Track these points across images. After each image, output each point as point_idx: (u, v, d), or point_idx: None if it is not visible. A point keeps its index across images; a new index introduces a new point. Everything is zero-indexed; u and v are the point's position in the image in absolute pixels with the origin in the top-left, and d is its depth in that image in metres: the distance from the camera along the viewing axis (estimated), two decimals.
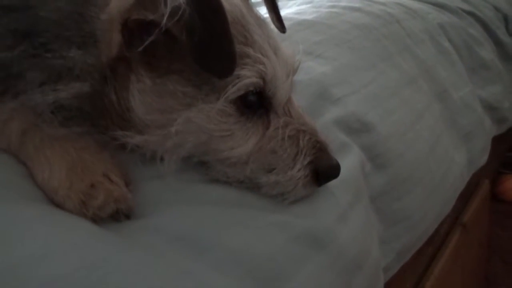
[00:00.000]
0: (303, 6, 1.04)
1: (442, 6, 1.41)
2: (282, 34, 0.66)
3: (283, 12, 1.03)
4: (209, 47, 0.41)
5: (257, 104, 0.50)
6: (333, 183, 0.58)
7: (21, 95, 0.47)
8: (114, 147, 0.50)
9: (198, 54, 0.42)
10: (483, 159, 1.23)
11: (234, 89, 0.46)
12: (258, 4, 0.63)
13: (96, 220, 0.44)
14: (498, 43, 1.57)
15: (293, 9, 1.04)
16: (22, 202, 0.43)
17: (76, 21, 0.45)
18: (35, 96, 0.47)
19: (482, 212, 1.46)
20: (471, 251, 1.39)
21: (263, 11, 0.62)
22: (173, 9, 0.39)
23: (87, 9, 0.45)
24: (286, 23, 0.87)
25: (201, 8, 0.40)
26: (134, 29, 0.43)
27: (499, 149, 1.59)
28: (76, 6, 0.46)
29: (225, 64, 0.43)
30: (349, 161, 0.66)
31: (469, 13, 1.49)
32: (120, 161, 0.50)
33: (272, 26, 0.62)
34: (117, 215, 0.45)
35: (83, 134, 0.48)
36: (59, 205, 0.45)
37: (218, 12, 0.41)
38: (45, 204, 0.44)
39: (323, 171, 0.53)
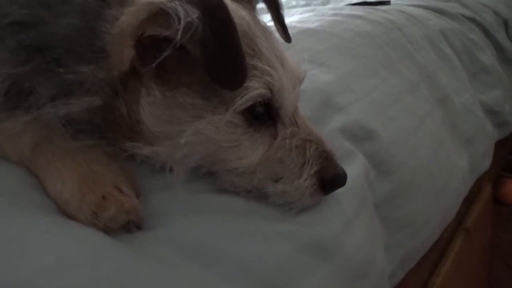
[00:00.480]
0: (306, 15, 1.05)
1: (442, 12, 1.42)
2: (286, 44, 0.66)
3: (286, 20, 1.04)
4: (221, 61, 0.42)
5: (265, 115, 0.51)
6: (338, 191, 0.59)
7: (33, 109, 0.48)
8: (124, 159, 0.51)
9: (211, 68, 0.43)
10: (486, 164, 1.24)
11: (242, 101, 0.47)
12: (261, 10, 0.64)
13: (108, 231, 0.44)
14: (498, 48, 1.58)
15: (296, 17, 1.05)
16: (36, 213, 0.44)
17: (87, 37, 0.46)
18: (47, 110, 0.48)
19: (485, 216, 1.46)
20: (474, 256, 1.39)
21: (267, 18, 0.63)
22: (187, 25, 0.40)
23: (98, 24, 0.46)
24: (289, 32, 0.89)
25: (213, 23, 0.41)
26: (147, 45, 0.44)
27: (501, 152, 1.59)
28: (88, 21, 0.47)
29: (236, 77, 0.44)
30: (354, 169, 0.66)
31: (470, 19, 1.50)
32: (129, 173, 0.50)
33: (277, 35, 0.64)
34: (128, 226, 0.45)
35: (94, 146, 0.49)
36: (71, 217, 0.45)
37: (230, 27, 0.42)
38: (57, 215, 0.45)
39: (330, 180, 0.54)
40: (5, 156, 0.50)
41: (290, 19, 1.04)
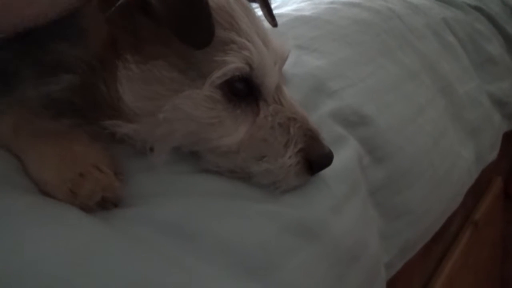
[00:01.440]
0: (303, 4, 1.04)
1: (446, 1, 1.39)
2: (278, 31, 0.66)
3: (282, 10, 1.03)
4: (183, 13, 0.41)
5: (245, 91, 0.50)
6: (327, 174, 0.58)
7: (14, 90, 0.48)
8: (106, 140, 0.50)
9: (172, 22, 0.42)
10: (493, 155, 1.20)
11: (219, 74, 0.46)
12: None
13: (85, 208, 0.44)
14: (507, 38, 1.54)
15: (293, 6, 1.04)
16: (13, 193, 0.43)
17: (65, 15, 0.46)
18: (27, 91, 0.48)
19: (495, 210, 1.42)
20: (484, 250, 1.35)
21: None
22: None
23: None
24: (283, 20, 0.88)
25: None
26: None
27: None
28: None
29: (201, 31, 0.43)
30: (345, 153, 0.65)
31: (476, 8, 1.47)
32: (111, 153, 0.50)
33: (266, 23, 0.63)
34: (105, 204, 0.45)
35: (75, 127, 0.49)
36: (50, 196, 0.45)
37: None
38: (36, 195, 0.45)
39: (315, 159, 0.52)
40: None
41: (287, 8, 1.03)
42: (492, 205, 1.37)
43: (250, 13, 0.53)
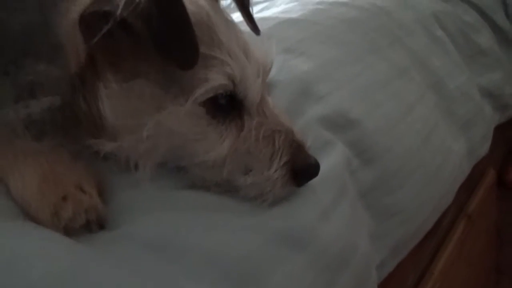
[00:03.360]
0: (291, 5, 1.03)
1: None
2: (264, 35, 0.65)
3: (270, 12, 1.02)
4: (167, 35, 0.41)
5: (229, 107, 0.50)
6: (314, 181, 0.58)
7: None
8: (89, 157, 0.50)
9: (158, 43, 0.42)
10: (485, 148, 1.21)
11: (202, 91, 0.46)
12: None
13: (69, 231, 0.44)
14: (496, 29, 1.54)
15: (280, 8, 1.03)
16: None
17: (43, 33, 0.45)
18: (8, 113, 0.47)
19: (488, 201, 1.43)
20: (478, 242, 1.36)
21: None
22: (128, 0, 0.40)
23: (53, 18, 0.45)
24: (270, 23, 0.87)
25: None
26: (91, 23, 0.42)
27: (506, 137, 1.55)
28: (44, 17, 0.46)
29: (187, 53, 0.43)
30: (332, 159, 0.65)
31: (464, 0, 1.46)
32: (95, 171, 0.50)
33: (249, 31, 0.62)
34: (90, 226, 0.45)
35: (57, 146, 0.49)
36: (33, 219, 0.45)
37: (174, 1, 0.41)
38: (20, 219, 0.45)
39: (301, 170, 0.53)
40: None
41: (274, 10, 1.02)
42: (485, 197, 1.38)
43: (232, 25, 0.52)
